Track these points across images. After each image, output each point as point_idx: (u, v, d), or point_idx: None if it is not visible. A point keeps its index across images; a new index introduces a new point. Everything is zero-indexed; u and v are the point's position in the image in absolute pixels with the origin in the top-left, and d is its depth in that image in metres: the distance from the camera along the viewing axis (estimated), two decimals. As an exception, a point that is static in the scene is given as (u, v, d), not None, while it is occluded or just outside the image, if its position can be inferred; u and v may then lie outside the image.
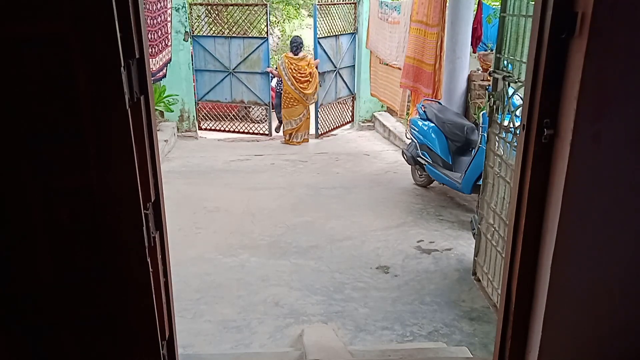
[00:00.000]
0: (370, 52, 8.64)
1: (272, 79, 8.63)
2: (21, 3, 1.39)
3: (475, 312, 3.23)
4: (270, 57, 8.68)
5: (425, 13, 6.08)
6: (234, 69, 8.55)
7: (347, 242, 4.33)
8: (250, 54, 8.39)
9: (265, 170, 6.77)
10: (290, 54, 7.99)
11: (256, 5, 8.53)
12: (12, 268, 1.64)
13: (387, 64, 7.89)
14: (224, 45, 8.48)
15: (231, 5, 8.61)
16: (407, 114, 7.45)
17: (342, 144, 8.30)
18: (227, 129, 9.02)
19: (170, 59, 7.54)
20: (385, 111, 9.03)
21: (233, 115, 9.09)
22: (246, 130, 8.98)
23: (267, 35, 8.42)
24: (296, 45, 8.02)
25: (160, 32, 6.83)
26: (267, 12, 8.34)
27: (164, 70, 7.25)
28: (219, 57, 8.53)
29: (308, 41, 15.64)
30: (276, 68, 8.18)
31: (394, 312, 3.24)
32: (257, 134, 8.97)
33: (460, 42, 5.80)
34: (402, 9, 6.99)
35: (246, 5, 8.71)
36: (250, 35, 8.47)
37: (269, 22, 8.41)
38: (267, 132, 8.91)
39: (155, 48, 6.55)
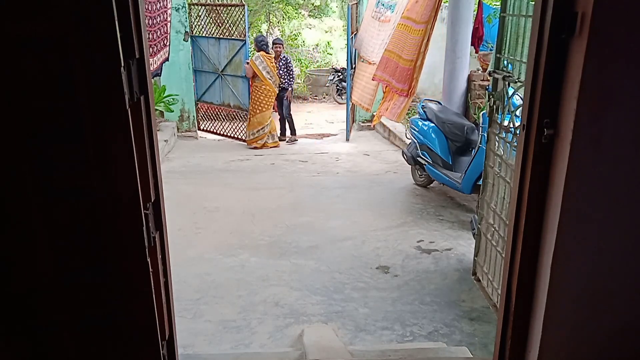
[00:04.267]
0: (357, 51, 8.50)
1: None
2: (21, 3, 1.39)
3: (475, 312, 3.23)
4: (249, 58, 8.51)
5: (416, 10, 6.02)
6: (222, 71, 8.45)
7: (347, 242, 4.33)
8: (233, 57, 8.21)
9: (265, 170, 6.77)
10: (263, 53, 7.85)
11: (240, 5, 8.34)
12: (12, 268, 1.64)
13: (364, 61, 7.79)
14: (215, 47, 8.37)
15: (221, 5, 8.48)
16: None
17: (342, 144, 8.30)
18: (215, 130, 8.86)
19: (168, 58, 7.53)
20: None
21: (230, 115, 8.85)
22: (230, 135, 8.68)
23: (246, 37, 8.12)
24: (265, 44, 7.99)
25: (159, 32, 6.83)
26: (245, 13, 8.03)
27: (159, 70, 7.24)
28: (212, 58, 8.45)
29: (310, 40, 15.66)
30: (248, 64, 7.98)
31: (394, 312, 3.24)
32: (237, 139, 8.55)
33: (460, 42, 5.80)
34: (397, 8, 6.95)
35: (233, 5, 8.53)
36: (233, 37, 8.18)
37: (247, 24, 8.11)
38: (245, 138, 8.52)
39: (154, 48, 6.56)
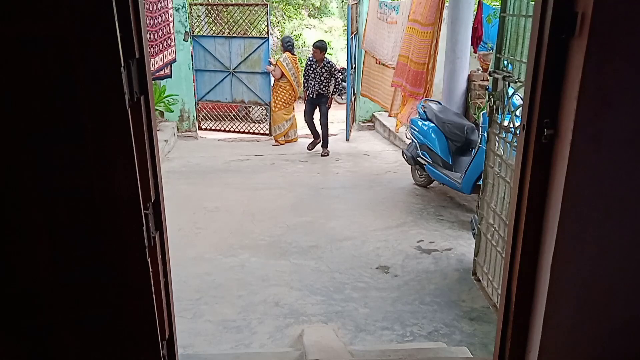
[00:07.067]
0: (365, 52, 8.59)
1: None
2: (21, 3, 1.39)
3: (475, 312, 3.23)
4: (271, 56, 8.69)
5: (421, 12, 6.07)
6: (234, 69, 8.59)
7: (347, 242, 4.33)
8: (250, 54, 8.43)
9: (265, 170, 6.77)
10: (289, 54, 8.04)
11: (256, 5, 8.54)
12: (12, 268, 1.64)
13: (383, 64, 7.87)
14: (224, 45, 8.52)
15: (231, 5, 8.64)
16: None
17: (342, 144, 8.30)
18: (227, 128, 9.05)
19: (175, 59, 7.55)
20: (385, 111, 9.03)
21: (233, 115, 9.12)
22: (247, 130, 9.00)
23: (268, 35, 8.45)
24: (292, 44, 8.08)
25: (161, 32, 6.83)
26: (267, 12, 8.37)
27: (166, 70, 7.24)
28: (219, 57, 8.57)
29: (310, 41, 15.66)
30: (274, 65, 8.13)
31: (394, 312, 3.24)
32: (257, 133, 8.97)
33: (460, 42, 5.80)
34: (401, 9, 6.99)
35: (246, 5, 8.74)
36: (250, 35, 8.51)
37: (269, 22, 8.44)
38: (267, 132, 8.92)
39: (154, 48, 6.55)
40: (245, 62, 8.50)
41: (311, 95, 7.66)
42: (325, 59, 7.62)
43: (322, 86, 7.57)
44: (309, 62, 7.66)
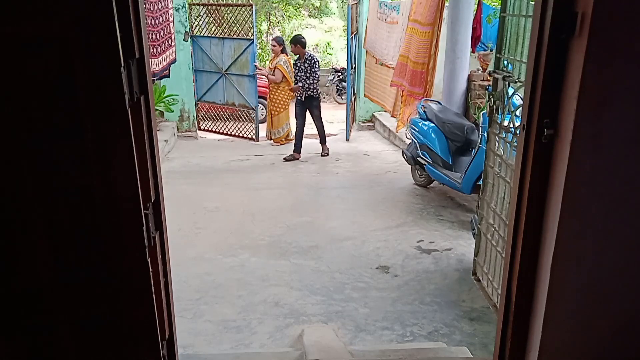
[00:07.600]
0: (367, 52, 8.61)
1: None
2: (21, 3, 1.39)
3: (475, 312, 3.23)
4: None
5: (420, 12, 6.08)
6: (225, 71, 8.47)
7: (347, 242, 4.33)
8: (239, 56, 8.26)
9: (265, 170, 6.77)
10: (285, 56, 7.91)
11: (248, 5, 8.40)
12: (12, 268, 1.64)
13: (382, 64, 7.87)
14: (217, 46, 8.41)
15: (229, 5, 8.55)
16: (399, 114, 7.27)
17: (342, 144, 8.30)
18: (218, 130, 8.95)
19: (175, 59, 7.55)
20: (385, 111, 9.04)
21: (231, 114, 8.93)
22: (238, 134, 8.82)
23: (254, 37, 8.13)
24: (285, 45, 7.96)
25: (162, 32, 6.84)
26: (253, 13, 8.07)
27: (167, 70, 7.26)
28: (214, 57, 8.48)
29: (310, 40, 15.68)
30: (271, 69, 7.97)
31: (394, 312, 3.24)
32: (247, 138, 8.73)
33: (460, 42, 5.80)
34: (401, 9, 7.00)
35: (243, 5, 8.64)
36: (240, 37, 8.21)
37: (255, 24, 8.19)
38: (253, 137, 8.66)
39: (157, 48, 6.56)
40: (235, 63, 8.32)
41: (299, 97, 7.27)
42: (307, 54, 7.18)
43: (308, 84, 7.12)
44: (294, 62, 7.37)
